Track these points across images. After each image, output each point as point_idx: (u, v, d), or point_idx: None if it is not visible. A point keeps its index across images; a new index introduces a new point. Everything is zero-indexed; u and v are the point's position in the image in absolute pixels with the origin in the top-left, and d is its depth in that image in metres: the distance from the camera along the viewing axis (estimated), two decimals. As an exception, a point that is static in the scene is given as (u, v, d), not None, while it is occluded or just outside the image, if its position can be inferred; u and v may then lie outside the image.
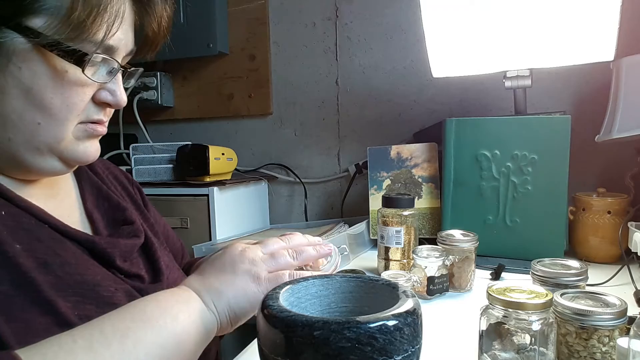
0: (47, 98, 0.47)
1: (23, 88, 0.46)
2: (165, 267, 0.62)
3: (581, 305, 0.49)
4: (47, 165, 0.51)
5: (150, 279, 0.59)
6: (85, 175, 0.63)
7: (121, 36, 0.51)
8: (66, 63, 0.47)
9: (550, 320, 0.47)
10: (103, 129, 0.54)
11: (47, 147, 0.50)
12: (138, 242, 0.60)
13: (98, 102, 0.52)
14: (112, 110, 0.55)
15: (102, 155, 0.69)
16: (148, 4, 0.56)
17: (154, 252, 0.62)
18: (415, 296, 0.41)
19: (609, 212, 0.93)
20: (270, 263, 0.54)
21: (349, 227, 1.12)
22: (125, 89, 0.55)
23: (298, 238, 0.59)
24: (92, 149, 0.54)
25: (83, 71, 0.48)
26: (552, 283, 0.61)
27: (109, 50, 0.50)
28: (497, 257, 0.94)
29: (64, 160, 0.52)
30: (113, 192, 0.64)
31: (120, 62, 0.52)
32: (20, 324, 0.42)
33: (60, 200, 0.57)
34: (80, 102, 0.50)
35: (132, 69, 0.57)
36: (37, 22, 0.45)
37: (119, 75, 0.53)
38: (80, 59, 0.47)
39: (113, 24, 0.49)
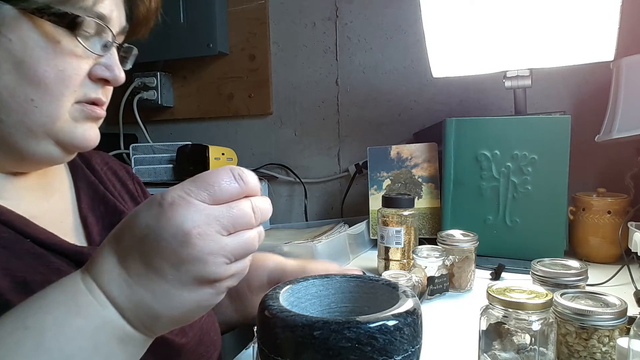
0: (41, 71, 0.45)
1: (15, 61, 0.44)
2: None
3: (581, 305, 0.49)
4: (42, 150, 0.48)
5: None
6: (81, 173, 0.61)
7: (112, 7, 0.49)
8: (59, 31, 0.45)
9: (550, 320, 0.47)
10: (101, 111, 0.52)
11: (42, 129, 0.47)
12: None
13: (95, 79, 0.50)
14: (111, 90, 0.53)
15: (101, 154, 0.68)
16: None
17: None
18: (415, 296, 0.41)
19: (609, 212, 0.93)
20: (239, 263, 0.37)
21: (349, 227, 1.12)
22: (125, 72, 0.53)
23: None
24: (91, 133, 0.51)
25: (76, 37, 0.46)
26: (552, 283, 0.61)
27: (101, 19, 0.49)
28: (497, 257, 0.94)
29: (61, 145, 0.49)
30: (110, 193, 0.62)
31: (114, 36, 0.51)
32: None
33: (54, 203, 0.55)
34: (76, 76, 0.48)
35: (126, 45, 0.55)
36: None
37: (114, 51, 0.51)
38: (72, 23, 0.45)
39: None
